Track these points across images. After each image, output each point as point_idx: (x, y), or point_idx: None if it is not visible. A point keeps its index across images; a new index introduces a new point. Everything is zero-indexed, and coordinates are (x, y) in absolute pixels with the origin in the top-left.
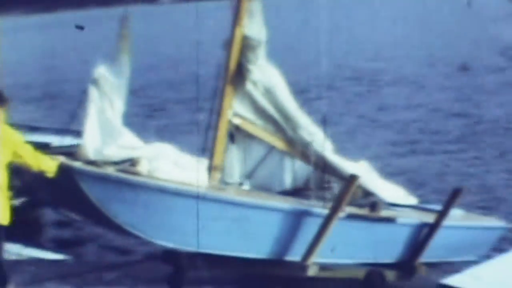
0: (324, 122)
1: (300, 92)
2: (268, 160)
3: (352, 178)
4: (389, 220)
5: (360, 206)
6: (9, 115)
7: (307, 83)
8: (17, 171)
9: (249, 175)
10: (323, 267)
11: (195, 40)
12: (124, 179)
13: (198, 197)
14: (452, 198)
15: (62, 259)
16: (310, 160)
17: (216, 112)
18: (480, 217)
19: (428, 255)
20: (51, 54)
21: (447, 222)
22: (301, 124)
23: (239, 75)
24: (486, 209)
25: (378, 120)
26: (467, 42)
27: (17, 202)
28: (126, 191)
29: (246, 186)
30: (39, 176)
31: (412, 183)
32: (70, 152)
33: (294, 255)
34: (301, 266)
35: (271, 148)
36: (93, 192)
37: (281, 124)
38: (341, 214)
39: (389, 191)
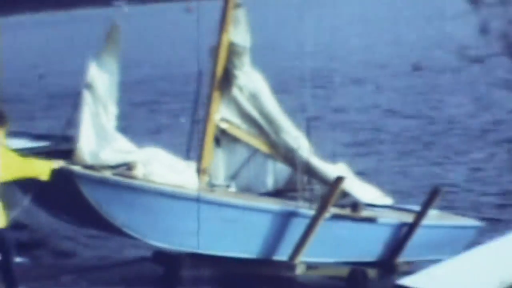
0: (307, 125)
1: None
2: (251, 162)
3: (338, 179)
4: (371, 220)
5: (342, 206)
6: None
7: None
8: None
9: (232, 177)
10: (308, 266)
11: (146, 42)
12: (124, 183)
13: (198, 200)
14: (430, 198)
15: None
16: (292, 163)
17: (203, 117)
18: (455, 217)
19: (405, 254)
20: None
21: (424, 221)
22: (284, 128)
23: (226, 80)
24: (443, 208)
25: (332, 121)
26: (423, 42)
27: None
28: (125, 195)
29: (232, 188)
30: (33, 180)
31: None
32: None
33: (282, 255)
34: (289, 265)
35: (254, 151)
36: (93, 196)
37: (264, 128)
38: (326, 214)
39: (366, 191)
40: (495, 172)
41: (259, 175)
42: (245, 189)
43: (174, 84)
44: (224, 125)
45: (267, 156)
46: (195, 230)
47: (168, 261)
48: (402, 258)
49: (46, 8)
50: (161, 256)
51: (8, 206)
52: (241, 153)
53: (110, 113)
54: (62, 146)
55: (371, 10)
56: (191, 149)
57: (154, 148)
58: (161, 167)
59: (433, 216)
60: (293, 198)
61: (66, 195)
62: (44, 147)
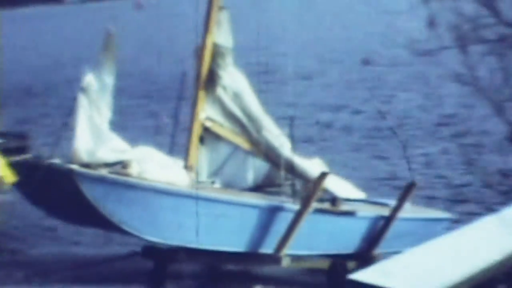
0: (291, 123)
1: None
2: (233, 159)
3: (323, 175)
4: (350, 213)
5: (321, 201)
6: None
7: None
8: None
9: (215, 174)
10: (292, 258)
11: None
12: (121, 181)
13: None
14: (405, 192)
15: None
16: (273, 159)
17: (191, 115)
18: (426, 210)
19: (382, 246)
20: None
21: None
22: (265, 126)
23: (210, 80)
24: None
25: (281, 117)
26: (373, 36)
27: None
28: (122, 192)
29: (217, 184)
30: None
31: None
32: None
33: (268, 248)
34: (275, 257)
35: (236, 148)
36: (91, 194)
37: (247, 126)
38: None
39: (341, 186)
40: (447, 167)
41: (240, 172)
42: (227, 185)
43: (129, 80)
44: (208, 124)
45: (248, 153)
46: (188, 225)
47: (158, 255)
48: (379, 250)
49: None
50: (150, 251)
51: None
52: (223, 151)
53: (104, 115)
54: (13, 143)
55: (322, 5)
56: (173, 148)
57: (147, 147)
58: (154, 165)
59: (405, 209)
60: (272, 193)
61: (64, 193)
62: None
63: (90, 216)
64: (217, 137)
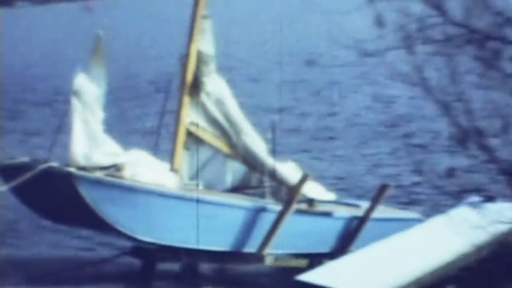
0: (273, 128)
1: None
2: (213, 162)
3: (305, 177)
4: (327, 214)
5: (298, 202)
6: None
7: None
8: None
9: (194, 177)
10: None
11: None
12: (118, 184)
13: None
14: (379, 194)
15: None
16: (250, 162)
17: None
18: (396, 210)
19: (356, 245)
20: None
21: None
22: (244, 130)
23: (195, 87)
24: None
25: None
26: (318, 37)
27: None
28: (117, 194)
29: (200, 187)
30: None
31: None
32: None
33: (251, 247)
34: (258, 256)
35: (216, 152)
36: (89, 196)
37: (227, 130)
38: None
39: (313, 188)
40: (396, 167)
41: (219, 174)
42: (207, 187)
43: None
44: (192, 128)
45: (226, 156)
46: (179, 225)
47: (145, 255)
48: (353, 249)
49: None
50: (138, 251)
51: None
52: (204, 154)
53: (97, 118)
54: None
55: (266, 6)
56: (157, 150)
57: (138, 150)
58: (146, 168)
59: (379, 210)
60: (249, 195)
61: (61, 195)
62: None
63: (86, 217)
64: (199, 141)
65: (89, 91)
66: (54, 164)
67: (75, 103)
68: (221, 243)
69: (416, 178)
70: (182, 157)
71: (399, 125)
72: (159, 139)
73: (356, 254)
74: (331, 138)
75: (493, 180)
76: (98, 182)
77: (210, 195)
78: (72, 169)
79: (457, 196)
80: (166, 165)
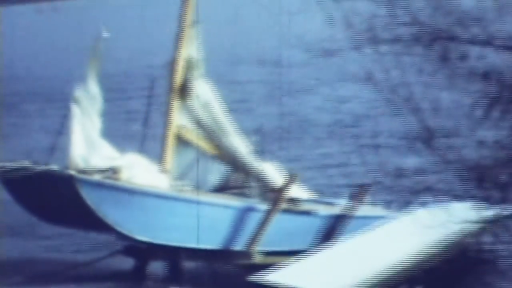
0: (258, 130)
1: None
2: (199, 163)
3: (293, 176)
4: (309, 213)
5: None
6: None
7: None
8: None
9: (181, 178)
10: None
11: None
12: (118, 186)
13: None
14: (360, 192)
15: None
16: (234, 163)
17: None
18: (370, 208)
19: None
20: None
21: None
22: (230, 133)
23: (183, 90)
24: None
25: None
26: (272, 38)
27: None
28: (117, 196)
29: (187, 187)
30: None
31: None
32: None
33: (240, 245)
34: (247, 254)
35: (201, 153)
36: (90, 198)
37: (214, 133)
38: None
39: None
40: (352, 169)
41: (205, 175)
42: (193, 187)
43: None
44: (180, 130)
45: (212, 157)
46: (174, 225)
47: (138, 253)
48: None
49: None
50: (131, 249)
51: None
52: (190, 155)
53: (95, 124)
54: None
55: (216, 8)
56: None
57: (134, 153)
58: (141, 170)
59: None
60: (236, 194)
61: (62, 197)
62: None
63: (86, 219)
64: (185, 143)
65: (87, 97)
66: (54, 167)
67: (74, 109)
68: (211, 242)
69: (368, 178)
70: (171, 159)
71: (348, 125)
72: (144, 140)
73: (318, 253)
74: (283, 139)
75: (461, 179)
76: (98, 185)
77: (205, 196)
78: (73, 172)
79: (409, 196)
80: (157, 167)
